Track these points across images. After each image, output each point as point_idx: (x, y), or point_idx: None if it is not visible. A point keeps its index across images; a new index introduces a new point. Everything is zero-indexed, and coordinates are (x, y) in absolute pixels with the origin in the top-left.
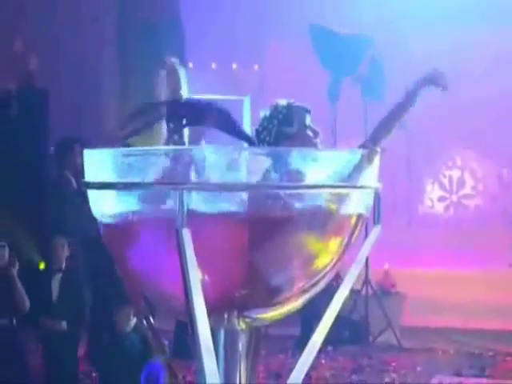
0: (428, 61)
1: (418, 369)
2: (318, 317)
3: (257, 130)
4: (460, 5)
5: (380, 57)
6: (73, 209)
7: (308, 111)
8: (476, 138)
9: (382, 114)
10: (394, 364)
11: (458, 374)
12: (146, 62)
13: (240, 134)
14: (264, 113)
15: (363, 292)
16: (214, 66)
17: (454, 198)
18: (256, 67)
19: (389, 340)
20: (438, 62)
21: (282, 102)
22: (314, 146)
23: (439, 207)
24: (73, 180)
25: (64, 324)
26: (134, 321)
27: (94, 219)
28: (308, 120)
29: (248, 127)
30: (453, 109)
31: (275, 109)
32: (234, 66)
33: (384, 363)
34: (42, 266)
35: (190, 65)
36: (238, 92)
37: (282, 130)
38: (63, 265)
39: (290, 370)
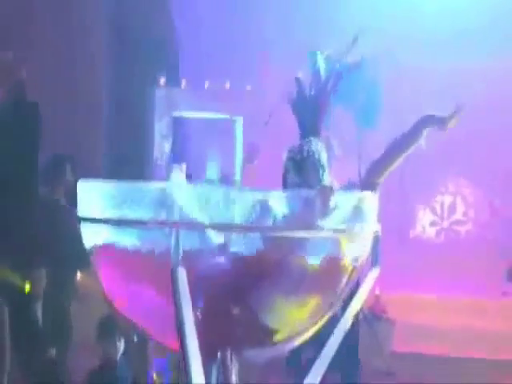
0: (421, 86)
1: None
2: None
3: None
4: (459, 32)
5: (378, 83)
6: (61, 232)
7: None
8: (469, 165)
9: (376, 141)
10: None
11: None
12: (140, 78)
13: None
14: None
15: None
16: (207, 84)
17: (446, 223)
18: (249, 87)
19: (378, 366)
20: (433, 88)
21: None
22: None
23: (431, 232)
24: (63, 200)
25: (52, 351)
26: (121, 348)
27: (83, 245)
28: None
29: (240, 147)
30: (446, 135)
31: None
32: (227, 85)
33: None
34: (28, 289)
35: (183, 83)
36: (231, 111)
37: None
38: (42, 292)
39: None
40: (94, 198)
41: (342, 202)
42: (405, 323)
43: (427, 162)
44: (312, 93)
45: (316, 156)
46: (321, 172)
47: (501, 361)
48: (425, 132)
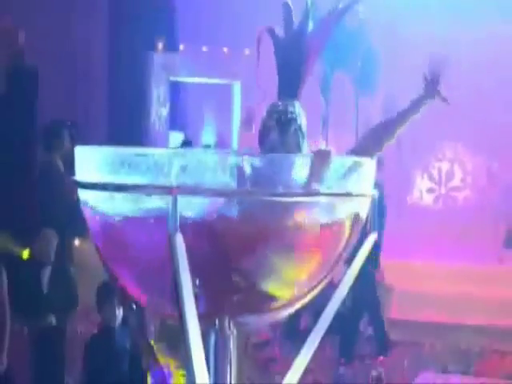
0: (420, 51)
1: (405, 362)
2: None
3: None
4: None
5: (376, 50)
6: (60, 197)
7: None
8: (466, 131)
9: (374, 110)
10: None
11: (444, 370)
12: (138, 43)
13: None
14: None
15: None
16: (205, 49)
17: (443, 189)
18: (247, 51)
19: None
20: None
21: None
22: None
23: (428, 199)
24: (61, 166)
25: (53, 318)
26: (120, 315)
27: (81, 211)
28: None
29: (238, 112)
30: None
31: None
32: (225, 49)
33: (371, 355)
34: (25, 255)
35: (182, 47)
36: (228, 76)
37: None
38: (52, 258)
39: None
40: (91, 163)
41: (339, 165)
42: (402, 290)
43: (424, 128)
44: (297, 31)
45: (298, 121)
46: (301, 140)
47: (498, 327)
48: (422, 108)
